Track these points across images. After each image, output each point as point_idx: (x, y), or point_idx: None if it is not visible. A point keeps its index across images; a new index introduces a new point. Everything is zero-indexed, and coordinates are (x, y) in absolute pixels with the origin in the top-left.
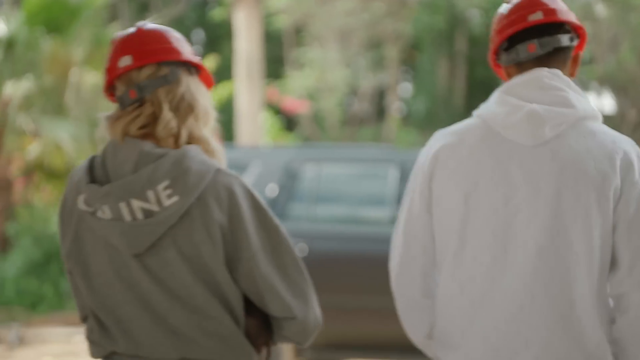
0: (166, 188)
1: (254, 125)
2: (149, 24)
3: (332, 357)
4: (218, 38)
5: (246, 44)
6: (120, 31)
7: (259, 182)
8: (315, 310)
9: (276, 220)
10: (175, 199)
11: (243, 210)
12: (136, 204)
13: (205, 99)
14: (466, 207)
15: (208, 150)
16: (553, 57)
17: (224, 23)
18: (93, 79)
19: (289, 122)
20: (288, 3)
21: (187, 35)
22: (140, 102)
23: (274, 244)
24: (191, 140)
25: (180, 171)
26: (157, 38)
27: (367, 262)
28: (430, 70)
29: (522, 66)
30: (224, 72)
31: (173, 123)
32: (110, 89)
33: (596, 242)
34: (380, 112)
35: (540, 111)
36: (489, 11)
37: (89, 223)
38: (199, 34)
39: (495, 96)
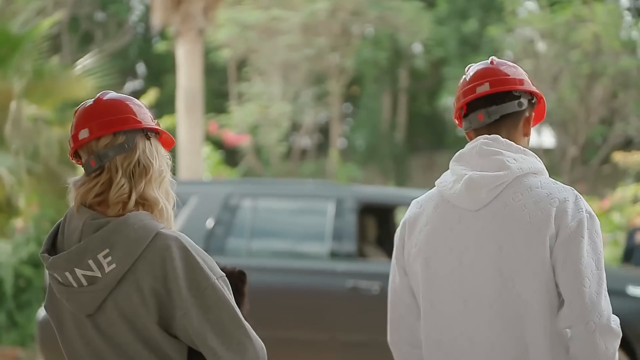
0: (106, 256)
1: (195, 158)
2: (109, 94)
3: None
4: (162, 71)
5: (187, 77)
6: (59, 63)
7: (197, 215)
8: (255, 358)
9: (213, 276)
10: (113, 266)
11: (177, 272)
12: (79, 272)
13: (161, 160)
14: (428, 270)
15: (156, 211)
16: (502, 123)
17: (168, 56)
18: (33, 111)
19: (231, 156)
20: (231, 37)
21: (130, 68)
22: (100, 170)
23: (209, 302)
24: (143, 201)
25: (117, 239)
26: (113, 108)
27: (304, 295)
28: (372, 105)
29: (477, 132)
30: (169, 105)
31: (126, 188)
32: (75, 156)
33: (541, 287)
34: (322, 146)
35: (477, 178)
36: (432, 47)
37: (52, 285)
38: (142, 67)
39: (450, 165)
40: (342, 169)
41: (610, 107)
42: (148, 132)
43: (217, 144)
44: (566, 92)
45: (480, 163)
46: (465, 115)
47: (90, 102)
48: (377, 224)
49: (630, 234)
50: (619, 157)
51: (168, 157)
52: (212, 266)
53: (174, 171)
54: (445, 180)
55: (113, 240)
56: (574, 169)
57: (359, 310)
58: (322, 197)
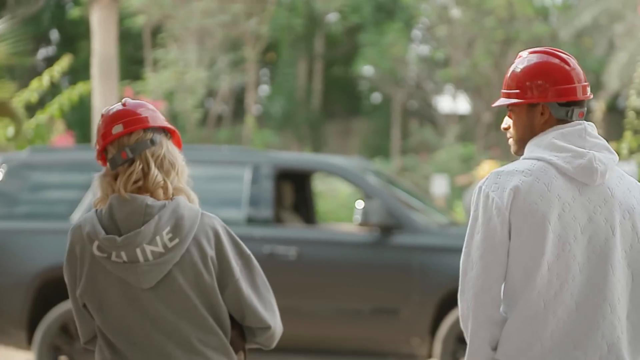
0: (168, 233)
1: None
2: (130, 100)
3: None
4: (76, 37)
5: (102, 44)
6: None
7: None
8: (279, 320)
9: (247, 249)
10: (176, 241)
11: (225, 244)
12: (148, 248)
13: (180, 158)
14: (552, 233)
15: (189, 198)
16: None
17: (82, 22)
18: None
19: None
20: (146, 3)
21: (43, 34)
22: (130, 162)
23: (249, 269)
24: (175, 191)
25: (177, 219)
26: (140, 109)
27: None
28: (288, 71)
29: (561, 120)
30: (84, 72)
31: (160, 177)
32: (102, 152)
33: None
34: (238, 113)
35: (601, 157)
36: (347, 13)
37: (104, 265)
38: (56, 34)
39: (553, 142)
40: (258, 136)
41: None
42: (167, 133)
43: None
44: (480, 58)
45: (589, 144)
46: (562, 105)
47: (118, 105)
48: (294, 190)
49: None
50: None
51: (184, 158)
52: (243, 244)
53: (89, 138)
54: (558, 155)
55: (174, 220)
56: (489, 134)
57: (276, 276)
58: (238, 164)
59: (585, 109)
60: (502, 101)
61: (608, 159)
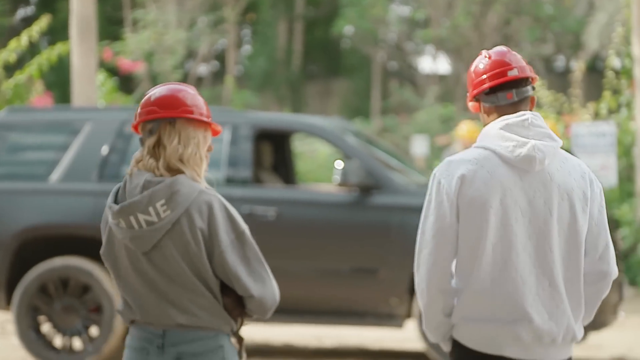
0: (162, 205)
1: (89, 86)
2: (175, 85)
3: None
4: None
5: (80, 3)
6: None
7: (92, 142)
8: (272, 291)
9: (243, 226)
10: (168, 212)
11: (218, 219)
12: (141, 217)
13: (197, 142)
14: (495, 217)
15: (195, 177)
16: (521, 103)
17: None
18: None
19: (126, 84)
20: None
21: None
22: (149, 137)
23: (241, 242)
24: (184, 168)
25: (172, 193)
26: (175, 93)
27: None
28: (268, 32)
29: (501, 108)
30: (63, 32)
31: (169, 152)
32: (135, 128)
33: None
34: (218, 73)
35: (540, 145)
36: None
37: (114, 231)
38: None
39: (497, 132)
40: (238, 96)
41: (504, 34)
42: (172, 120)
43: (112, 71)
44: (460, 19)
45: (531, 133)
46: (488, 94)
47: (160, 88)
48: (273, 150)
49: None
50: None
51: (197, 138)
52: (240, 220)
53: (68, 99)
54: (501, 144)
55: (169, 193)
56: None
57: (255, 236)
58: (217, 124)
59: (522, 88)
60: (470, 105)
61: (548, 147)
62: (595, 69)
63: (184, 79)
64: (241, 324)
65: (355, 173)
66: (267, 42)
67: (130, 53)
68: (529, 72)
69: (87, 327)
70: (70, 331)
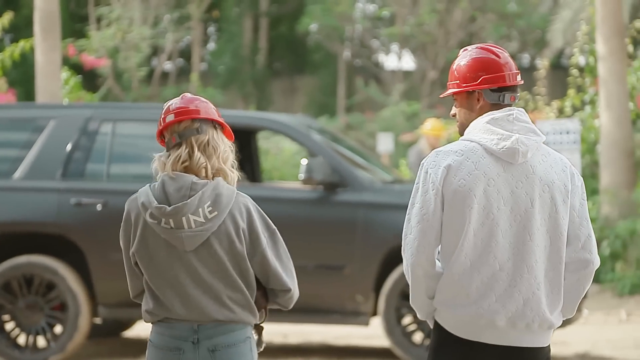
0: (209, 207)
1: (53, 82)
2: (188, 94)
3: (127, 315)
4: None
5: (43, 0)
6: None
7: (56, 139)
8: (297, 285)
9: (273, 225)
10: (215, 214)
11: (255, 219)
12: (192, 217)
13: (226, 144)
14: (478, 206)
15: (227, 179)
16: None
17: None
18: None
19: (90, 81)
20: None
21: None
22: (179, 145)
23: (274, 241)
24: (216, 172)
25: (217, 195)
26: (193, 103)
27: None
28: (233, 29)
29: (496, 105)
30: (26, 29)
31: (202, 160)
32: (160, 137)
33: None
34: (183, 70)
35: (524, 139)
36: None
37: (155, 230)
38: None
39: (484, 126)
40: (203, 93)
41: (469, 31)
42: (215, 124)
43: (76, 68)
44: (425, 16)
45: (516, 128)
46: (494, 91)
47: (177, 99)
48: (238, 148)
49: None
50: None
51: (231, 145)
52: (270, 220)
53: (32, 96)
54: (487, 137)
55: (213, 196)
56: (433, 92)
57: None
58: None
59: (518, 94)
60: (448, 92)
61: (531, 141)
62: (559, 67)
63: (149, 76)
64: (265, 316)
65: (320, 170)
66: (232, 39)
67: (94, 50)
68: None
69: (51, 325)
70: (34, 329)
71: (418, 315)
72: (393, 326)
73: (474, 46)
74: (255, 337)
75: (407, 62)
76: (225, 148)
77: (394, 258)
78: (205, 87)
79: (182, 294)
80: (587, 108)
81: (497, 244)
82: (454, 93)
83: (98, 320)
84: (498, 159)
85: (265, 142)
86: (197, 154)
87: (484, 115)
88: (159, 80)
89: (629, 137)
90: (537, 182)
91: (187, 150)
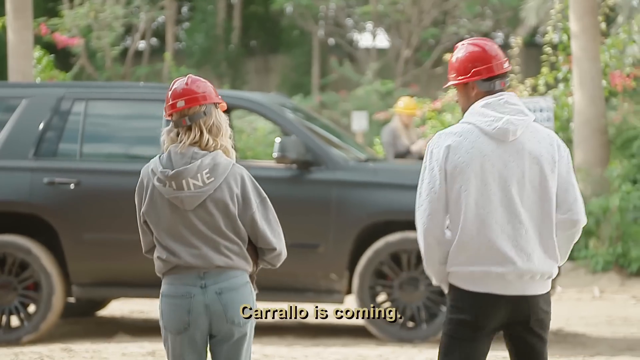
0: (207, 173)
1: (25, 61)
2: (193, 77)
3: (101, 294)
4: None
5: None
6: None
7: (28, 118)
8: (284, 246)
9: (264, 193)
10: (212, 179)
11: (248, 187)
12: (191, 181)
13: (226, 124)
14: (475, 178)
15: (227, 153)
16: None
17: None
18: None
19: (63, 60)
20: None
21: None
22: (189, 127)
23: (264, 206)
24: (220, 147)
25: (214, 164)
26: (199, 87)
27: None
28: (207, 8)
29: (488, 92)
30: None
31: (210, 139)
32: (169, 114)
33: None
34: (157, 49)
35: (514, 120)
36: None
37: (161, 192)
38: None
39: (479, 110)
40: (177, 72)
41: (443, 9)
42: (216, 104)
43: (49, 47)
44: None
45: (507, 110)
46: (485, 80)
47: (182, 81)
48: None
49: None
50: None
51: (226, 118)
52: (261, 189)
53: (4, 75)
54: (482, 119)
55: (212, 164)
56: (407, 70)
57: None
58: (157, 101)
59: (507, 79)
60: (448, 84)
61: (520, 121)
62: (533, 45)
63: (122, 55)
64: (256, 268)
65: (294, 149)
66: (206, 19)
67: (67, 29)
68: (508, 65)
69: (24, 305)
70: (7, 309)
71: (432, 282)
72: (367, 304)
73: (466, 41)
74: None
75: (381, 40)
76: (226, 125)
77: (368, 236)
78: (179, 67)
79: (187, 244)
80: (561, 86)
81: (496, 211)
82: (454, 85)
83: (72, 300)
84: (492, 138)
85: (239, 121)
86: (205, 135)
87: (479, 100)
88: (132, 60)
89: (602, 114)
90: (527, 155)
91: (197, 132)
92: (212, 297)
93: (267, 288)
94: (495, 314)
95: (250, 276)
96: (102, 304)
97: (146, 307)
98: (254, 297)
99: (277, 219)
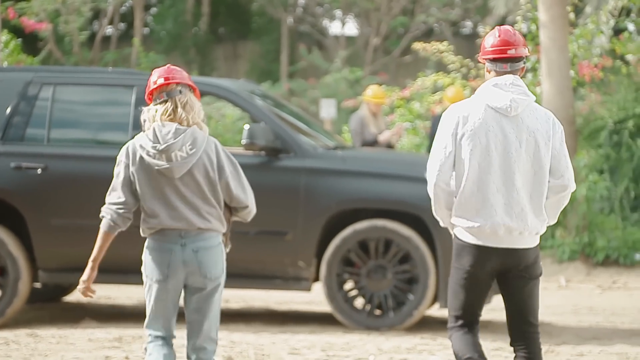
0: (189, 145)
1: None
2: (171, 65)
3: (68, 279)
4: None
5: None
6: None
7: None
8: (254, 204)
9: (235, 160)
10: (194, 150)
11: (221, 154)
12: (178, 153)
13: (198, 104)
14: (480, 145)
15: (201, 128)
16: (515, 70)
17: None
18: None
19: (31, 44)
20: None
21: None
22: (165, 102)
23: (236, 171)
24: (194, 123)
25: (194, 138)
26: (176, 72)
27: (106, 184)
28: None
29: (499, 72)
30: None
31: (183, 114)
32: (150, 95)
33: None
34: (125, 35)
35: (517, 98)
36: None
37: (150, 163)
38: None
39: (490, 89)
40: (145, 58)
41: None
42: (191, 89)
43: (16, 31)
44: None
45: (512, 90)
46: (492, 61)
47: (162, 68)
48: None
49: (434, 121)
50: (419, 47)
51: (200, 105)
52: (233, 157)
53: None
54: (490, 96)
55: (192, 138)
56: (376, 59)
57: None
58: (124, 86)
59: (511, 63)
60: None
61: (522, 100)
62: None
63: (90, 40)
64: (229, 226)
65: (263, 136)
66: (175, 4)
67: (35, 13)
68: (524, 51)
69: None
70: None
71: (440, 224)
72: (334, 292)
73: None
74: (223, 240)
75: (350, 28)
76: (199, 106)
77: (336, 224)
78: (148, 52)
79: (173, 209)
80: (529, 76)
81: (495, 173)
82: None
83: (38, 285)
84: (497, 112)
85: (207, 108)
86: (179, 109)
87: (490, 80)
88: (101, 45)
89: (569, 104)
90: (525, 129)
91: (172, 106)
92: (189, 254)
93: (236, 275)
94: (489, 263)
95: (224, 234)
96: (69, 289)
97: (113, 293)
98: (224, 256)
99: (247, 182)
